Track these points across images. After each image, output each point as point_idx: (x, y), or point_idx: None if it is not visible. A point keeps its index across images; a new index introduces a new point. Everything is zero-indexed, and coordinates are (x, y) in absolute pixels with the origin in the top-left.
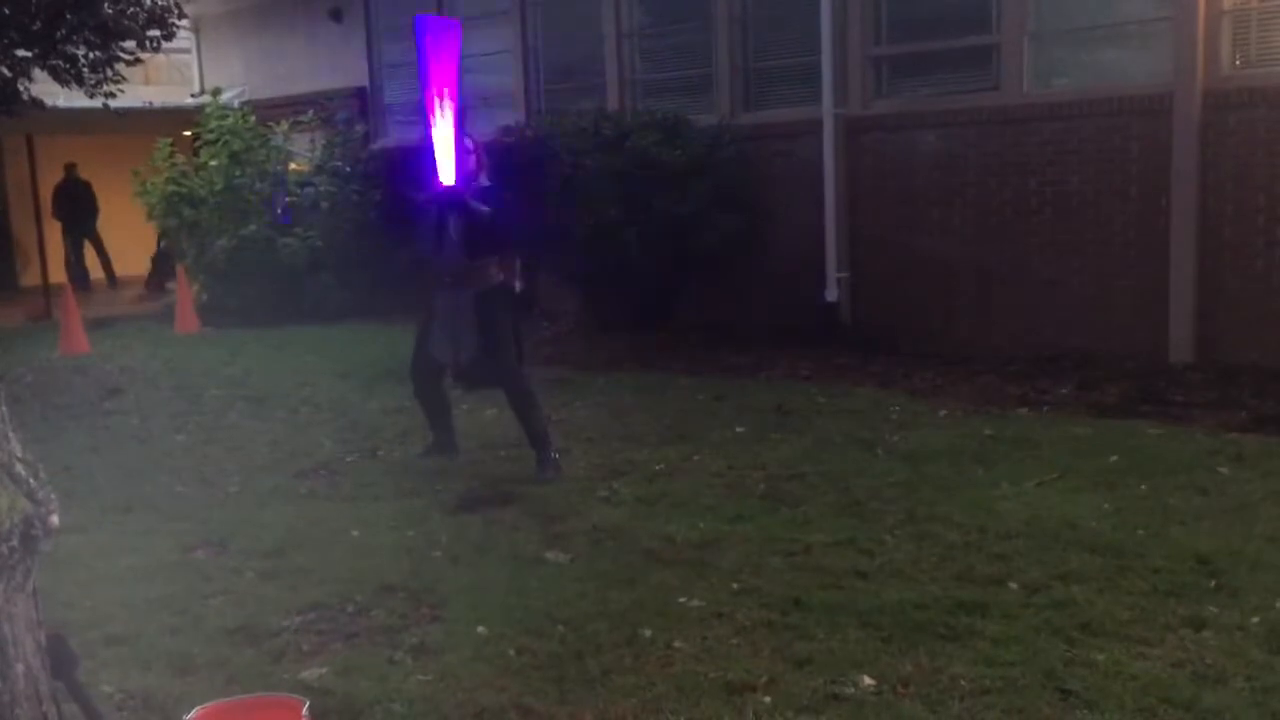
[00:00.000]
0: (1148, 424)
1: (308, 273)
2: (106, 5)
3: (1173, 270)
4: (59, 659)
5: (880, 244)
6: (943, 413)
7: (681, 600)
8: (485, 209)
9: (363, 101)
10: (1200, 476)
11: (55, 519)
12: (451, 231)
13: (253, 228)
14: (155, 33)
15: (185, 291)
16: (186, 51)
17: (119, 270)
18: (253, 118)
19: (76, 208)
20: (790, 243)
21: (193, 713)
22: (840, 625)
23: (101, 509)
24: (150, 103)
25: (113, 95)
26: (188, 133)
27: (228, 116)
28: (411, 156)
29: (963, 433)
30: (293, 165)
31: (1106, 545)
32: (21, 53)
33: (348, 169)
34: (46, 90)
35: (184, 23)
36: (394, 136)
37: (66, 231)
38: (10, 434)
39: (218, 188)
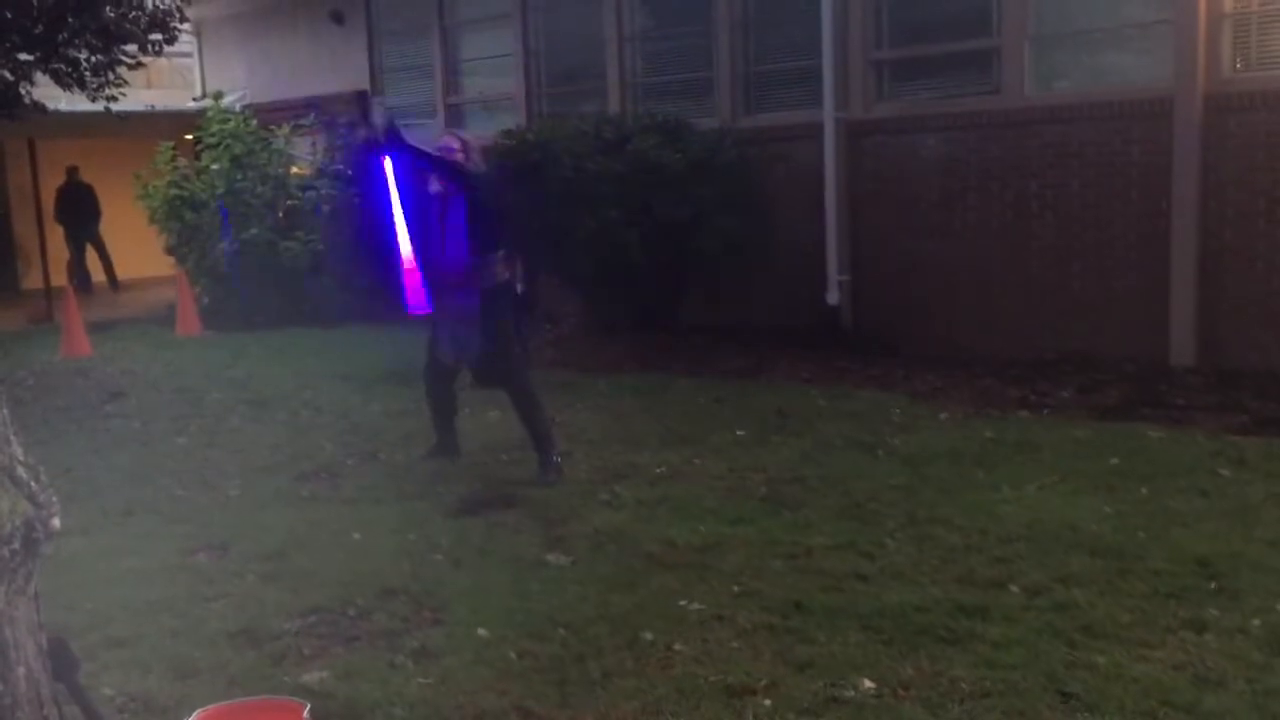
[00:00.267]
0: (1149, 427)
1: (309, 276)
2: (108, 9)
3: (1173, 273)
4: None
5: (881, 247)
6: (944, 415)
7: (682, 603)
8: (488, 197)
9: (364, 105)
10: (1201, 479)
11: (57, 522)
12: (454, 228)
13: (254, 231)
14: (157, 36)
15: (187, 294)
16: (188, 55)
17: (121, 273)
18: (254, 121)
19: (79, 211)
20: (791, 246)
21: (194, 716)
22: (841, 628)
23: (103, 512)
24: (152, 106)
25: (114, 99)
26: (189, 136)
27: (229, 120)
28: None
29: (964, 435)
30: (294, 169)
31: (1107, 548)
32: (23, 56)
33: (349, 172)
34: (48, 94)
35: (185, 26)
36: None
37: (69, 235)
38: (12, 437)
39: (219, 191)
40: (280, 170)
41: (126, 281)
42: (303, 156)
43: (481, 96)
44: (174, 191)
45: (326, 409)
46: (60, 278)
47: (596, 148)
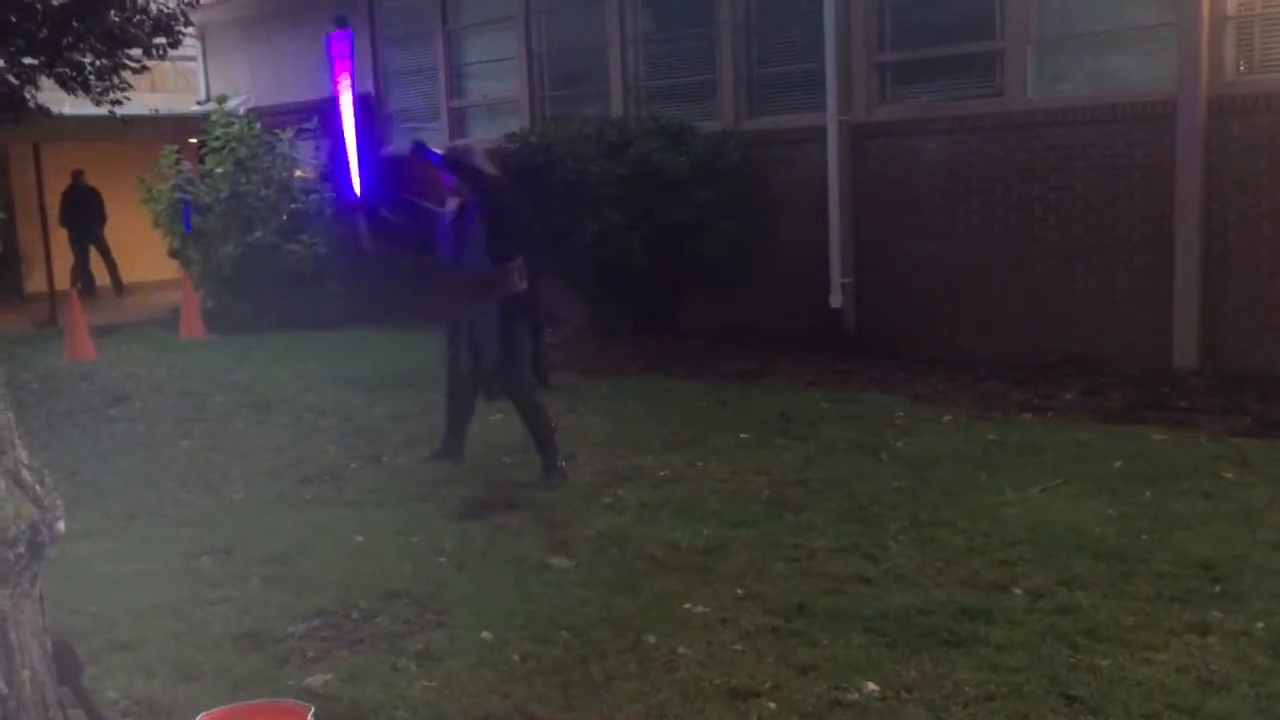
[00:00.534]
0: (1152, 429)
1: (312, 280)
2: (112, 13)
3: (1177, 275)
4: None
5: (884, 250)
6: (947, 418)
7: (686, 606)
8: (507, 204)
9: (368, 108)
10: (1204, 482)
11: (61, 525)
12: (473, 237)
13: (258, 235)
14: (161, 40)
15: (191, 298)
16: (192, 59)
17: (124, 277)
18: (258, 125)
19: (83, 214)
20: (794, 249)
21: (198, 718)
22: (844, 631)
23: (107, 515)
24: (156, 110)
25: (119, 103)
26: (193, 140)
27: (233, 124)
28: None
29: (967, 438)
30: (298, 172)
31: (1111, 551)
32: (28, 60)
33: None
34: (53, 98)
35: (189, 30)
36: (399, 143)
37: (74, 238)
38: (16, 440)
39: (223, 195)
40: (284, 174)
41: (130, 285)
42: (306, 160)
43: (485, 100)
44: (178, 195)
45: (330, 412)
46: (64, 281)
47: (599, 151)
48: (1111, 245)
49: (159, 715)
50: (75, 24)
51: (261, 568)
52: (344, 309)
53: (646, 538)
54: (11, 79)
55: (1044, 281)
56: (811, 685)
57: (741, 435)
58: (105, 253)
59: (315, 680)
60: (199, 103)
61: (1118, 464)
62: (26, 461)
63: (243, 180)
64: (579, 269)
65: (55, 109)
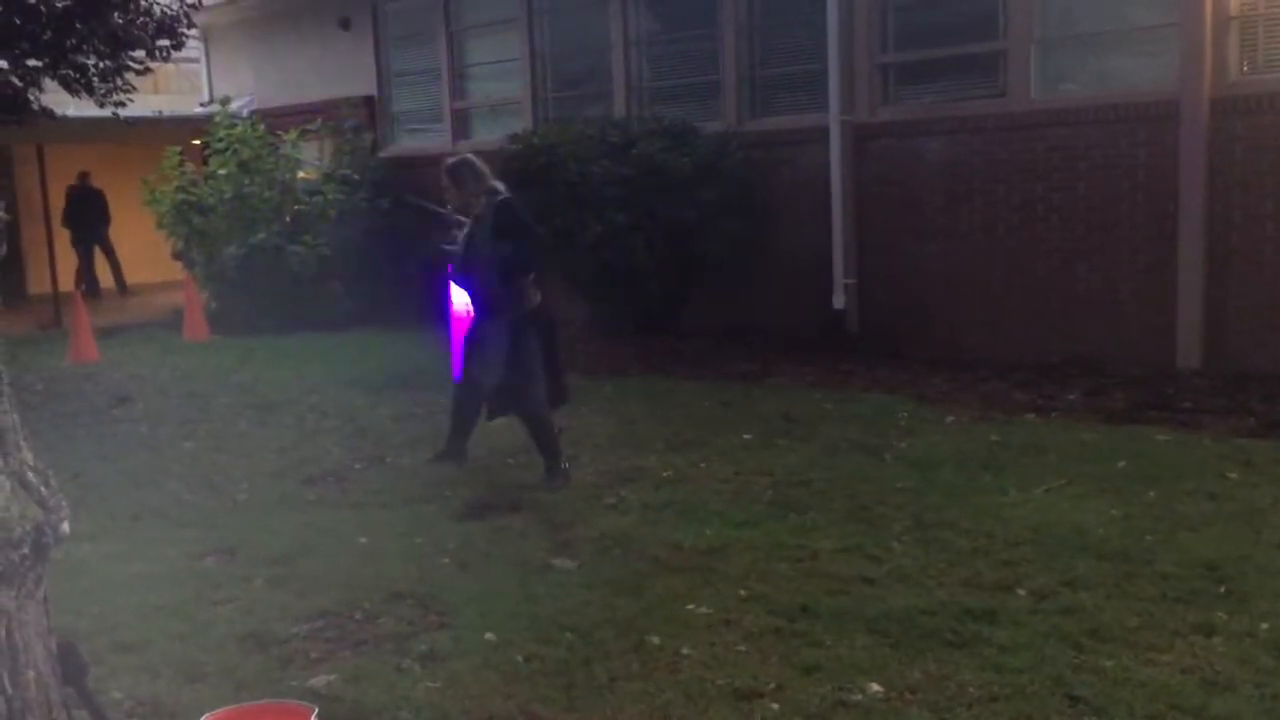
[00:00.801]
0: (1156, 430)
1: (316, 281)
2: (116, 15)
3: (1180, 276)
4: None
5: (887, 250)
6: (950, 419)
7: (689, 607)
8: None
9: (371, 110)
10: (1209, 482)
11: (66, 526)
12: (483, 257)
13: (261, 236)
14: (164, 42)
15: (194, 299)
16: (195, 61)
17: (128, 278)
18: (261, 126)
19: (87, 214)
20: (797, 249)
21: (201, 719)
22: (848, 632)
23: (111, 516)
24: (160, 112)
25: (122, 104)
26: (197, 141)
27: (236, 125)
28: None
29: (970, 439)
30: (301, 174)
31: (1115, 551)
32: (32, 62)
33: (356, 177)
34: (57, 100)
35: (193, 32)
36: (402, 145)
37: (78, 239)
38: (21, 442)
39: (227, 196)
40: (287, 175)
41: (133, 286)
42: (310, 162)
43: (488, 101)
44: (181, 196)
45: (333, 413)
46: (68, 283)
47: (602, 151)
48: (1114, 245)
49: (163, 716)
50: (79, 26)
51: (265, 569)
52: (347, 310)
53: (649, 538)
54: (15, 81)
55: (1047, 282)
56: (815, 686)
57: (744, 436)
58: (110, 253)
59: (319, 681)
60: (202, 104)
61: (1121, 464)
62: (31, 463)
63: (246, 182)
64: (581, 269)
65: (59, 111)
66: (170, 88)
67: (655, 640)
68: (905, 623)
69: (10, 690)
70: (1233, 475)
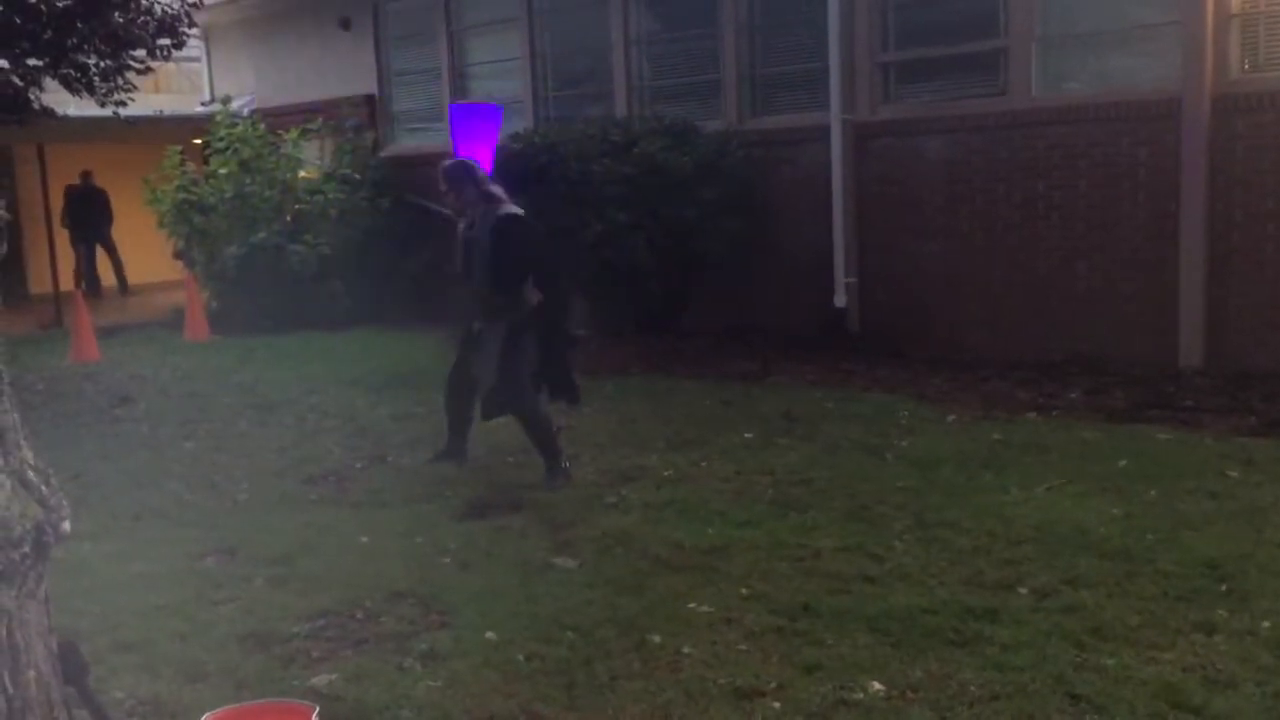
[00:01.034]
0: (1157, 429)
1: (317, 280)
2: (117, 14)
3: (1181, 275)
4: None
5: (888, 249)
6: (951, 418)
7: (690, 606)
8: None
9: (371, 109)
10: (1210, 481)
11: (66, 526)
12: (482, 260)
13: (262, 235)
14: (165, 41)
15: (195, 299)
16: (196, 60)
17: (130, 278)
18: (262, 125)
19: (90, 214)
20: (798, 248)
21: (203, 718)
22: (849, 631)
23: (112, 516)
24: (160, 111)
25: (123, 104)
26: (198, 141)
27: (237, 124)
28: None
29: (971, 438)
30: (302, 173)
31: (1116, 550)
32: (32, 62)
33: (357, 176)
34: (57, 99)
35: (194, 31)
36: (403, 144)
37: (80, 238)
38: (22, 441)
39: (227, 195)
40: (288, 174)
41: (134, 286)
42: (310, 161)
43: (489, 100)
44: (182, 196)
45: (334, 413)
46: (70, 282)
47: (603, 150)
48: (1115, 244)
49: (164, 715)
50: (79, 25)
51: (266, 568)
52: (348, 310)
53: (651, 538)
54: (16, 80)
55: (1048, 281)
56: (816, 685)
57: (745, 435)
58: (112, 253)
59: (320, 680)
60: (203, 104)
61: (1123, 463)
62: (32, 462)
63: (247, 181)
64: (582, 269)
65: (60, 110)
66: (171, 87)
67: (656, 639)
68: (906, 621)
69: (11, 690)
70: (1234, 474)
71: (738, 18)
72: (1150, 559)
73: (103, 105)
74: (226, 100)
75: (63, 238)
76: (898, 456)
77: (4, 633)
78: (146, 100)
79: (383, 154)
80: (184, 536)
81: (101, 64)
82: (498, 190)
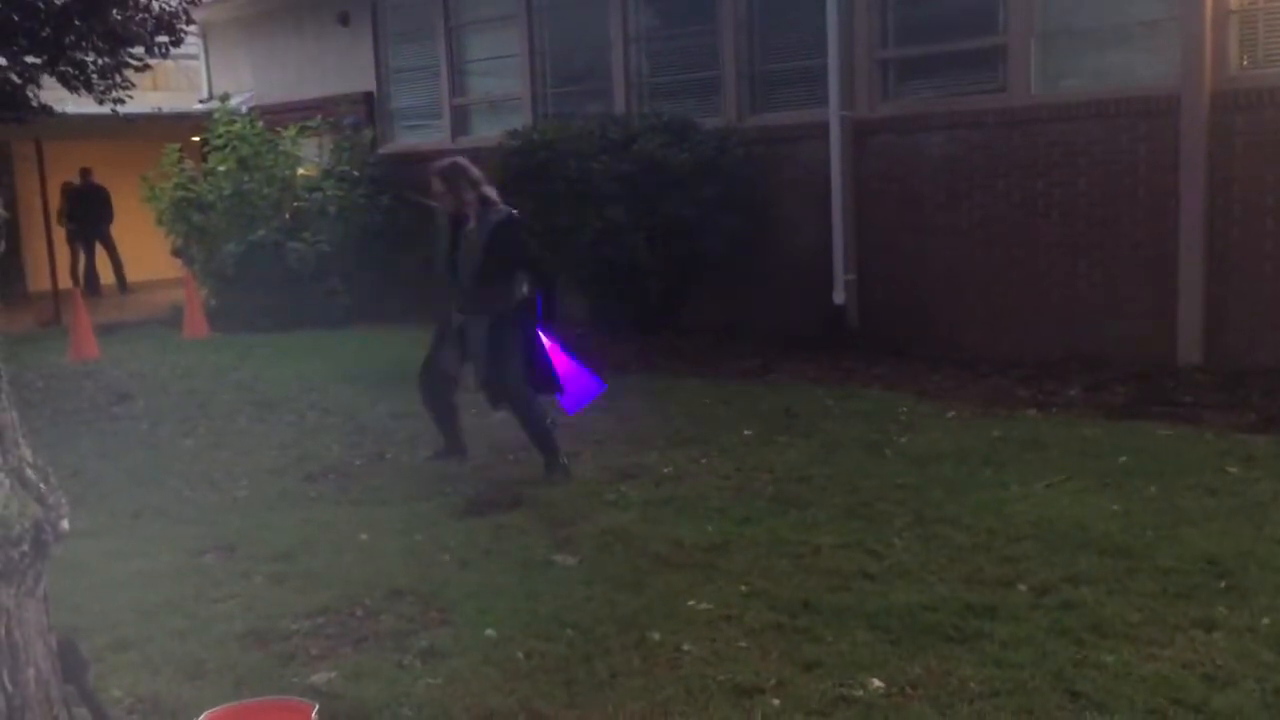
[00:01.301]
0: (1156, 425)
1: (315, 278)
2: (114, 12)
3: (1181, 271)
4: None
5: (887, 246)
6: (951, 415)
7: (690, 603)
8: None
9: (370, 106)
10: (1209, 477)
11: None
12: (471, 258)
13: (261, 233)
14: (163, 39)
15: (194, 296)
16: (194, 57)
17: (130, 275)
18: (260, 123)
19: (90, 212)
20: (797, 245)
21: (202, 716)
22: (849, 628)
23: (111, 514)
24: (159, 108)
25: (121, 101)
26: (196, 138)
27: (236, 122)
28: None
29: (971, 435)
30: (300, 170)
31: (1116, 546)
32: (31, 59)
33: (355, 174)
34: (55, 96)
35: (192, 28)
36: (401, 141)
37: (79, 236)
38: (20, 439)
39: (226, 193)
40: (287, 172)
41: (133, 283)
42: (309, 158)
43: (488, 97)
44: (180, 193)
45: (333, 410)
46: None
47: (602, 148)
48: (1115, 241)
49: (163, 713)
50: (77, 23)
51: (265, 565)
52: (346, 307)
53: (650, 535)
54: (14, 77)
55: (1047, 278)
56: (816, 682)
57: (745, 432)
58: (111, 251)
59: (319, 678)
60: (201, 101)
61: (1122, 460)
62: (31, 460)
63: (245, 178)
64: (581, 267)
65: (58, 107)
66: (169, 84)
67: (656, 636)
68: (906, 618)
69: (10, 688)
70: (1233, 470)
71: (737, 14)
72: (1150, 555)
73: (101, 103)
74: (225, 97)
75: (61, 235)
76: (897, 453)
77: (3, 631)
78: (145, 98)
79: (381, 151)
80: (183, 534)
81: (99, 61)
82: (492, 191)
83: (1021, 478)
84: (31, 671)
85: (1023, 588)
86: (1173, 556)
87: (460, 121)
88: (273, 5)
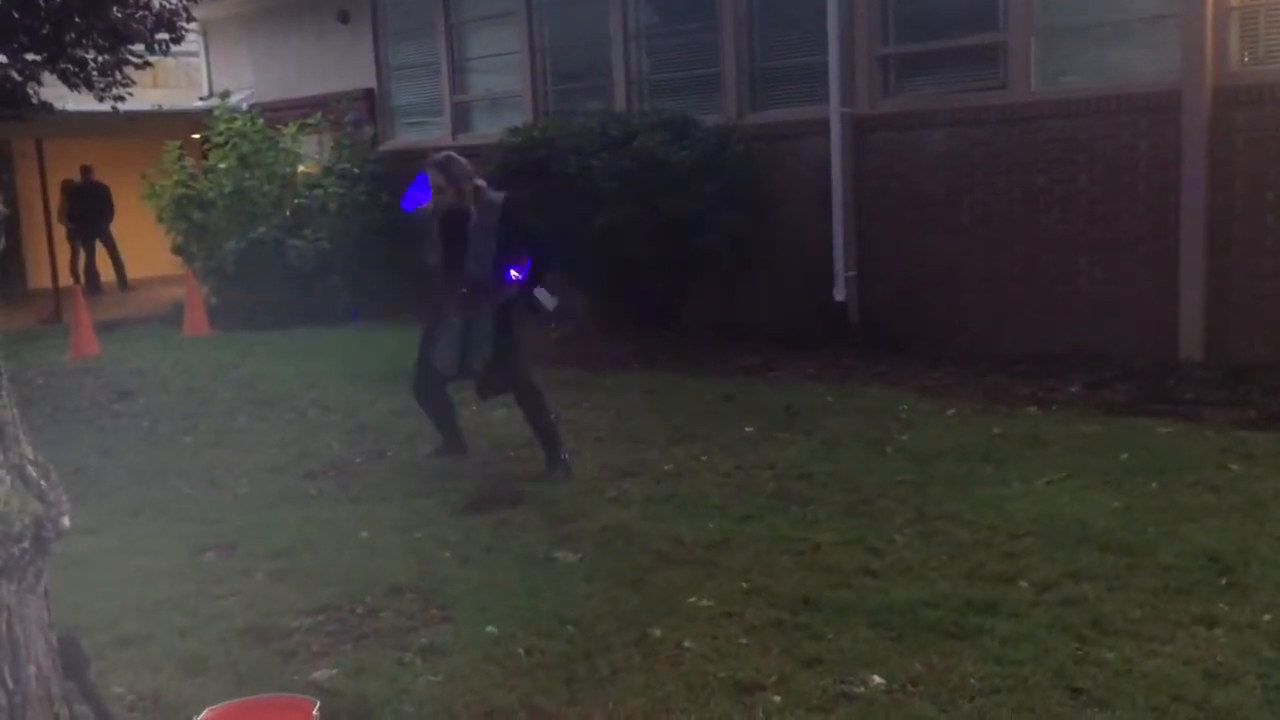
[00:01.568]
0: (1157, 422)
1: (316, 275)
2: (115, 9)
3: (1182, 268)
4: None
5: (888, 243)
6: (951, 412)
7: (691, 600)
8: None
9: (370, 103)
10: (1210, 474)
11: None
12: (477, 247)
13: (261, 230)
14: (163, 36)
15: (195, 294)
16: (195, 54)
17: (130, 272)
18: (261, 120)
19: (90, 210)
20: (798, 242)
21: (203, 713)
22: (850, 624)
23: (112, 511)
24: (159, 106)
25: (122, 98)
26: (196, 135)
27: (236, 119)
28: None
29: (972, 431)
30: (301, 168)
31: (1117, 543)
32: (31, 56)
33: (356, 171)
34: (56, 94)
35: (192, 26)
36: (402, 138)
37: (79, 233)
38: (21, 436)
39: (227, 190)
40: (287, 169)
41: (133, 281)
42: (309, 155)
43: (488, 94)
44: (181, 191)
45: (334, 408)
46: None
47: (602, 145)
48: (1116, 237)
49: (164, 710)
50: (77, 20)
51: (266, 563)
52: (347, 304)
53: (651, 532)
54: (14, 75)
55: (1048, 274)
56: (817, 679)
57: (746, 429)
58: (112, 248)
59: (320, 675)
60: (202, 98)
61: (1123, 457)
62: (31, 457)
63: (246, 176)
64: (582, 264)
65: (58, 105)
66: (169, 82)
67: (657, 633)
68: (907, 615)
69: (11, 685)
70: (1234, 467)
71: (737, 12)
72: (1151, 552)
73: (101, 100)
74: (225, 95)
75: (61, 233)
76: (898, 450)
77: (4, 628)
78: (145, 95)
79: (382, 148)
80: (184, 531)
81: (100, 58)
82: (481, 180)
83: (1022, 474)
84: (32, 668)
85: (1024, 584)
86: (1174, 553)
87: (461, 118)
88: (273, 2)
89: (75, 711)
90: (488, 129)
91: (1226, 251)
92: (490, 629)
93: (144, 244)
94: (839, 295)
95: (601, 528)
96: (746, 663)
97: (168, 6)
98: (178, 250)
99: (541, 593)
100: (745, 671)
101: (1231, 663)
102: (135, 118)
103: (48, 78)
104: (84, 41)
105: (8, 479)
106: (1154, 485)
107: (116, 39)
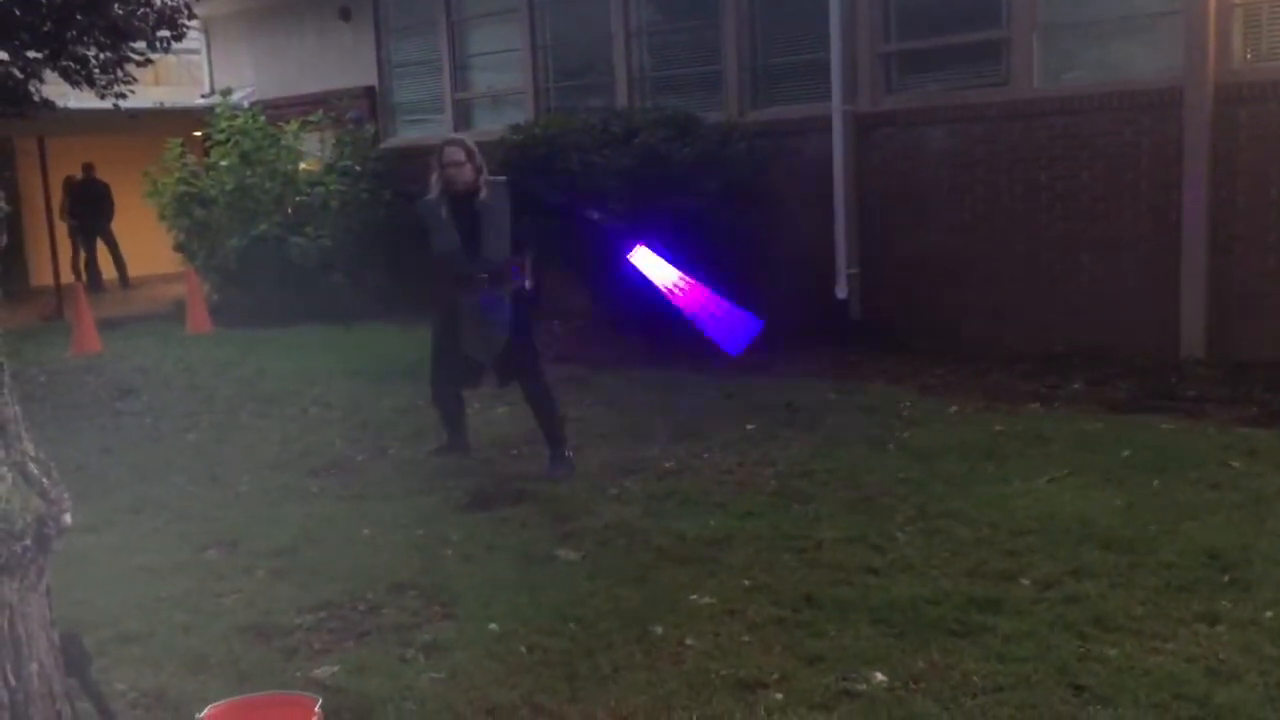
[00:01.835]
0: (1159, 419)
1: (318, 272)
2: (116, 6)
3: (1184, 265)
4: (73, 657)
5: (890, 240)
6: (953, 409)
7: (693, 597)
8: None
9: (372, 101)
10: (1212, 471)
11: (68, 518)
12: (494, 230)
13: (263, 227)
14: (165, 33)
15: (197, 291)
16: (196, 52)
17: (130, 270)
18: (262, 117)
19: (91, 207)
20: (800, 239)
21: (205, 710)
22: (852, 622)
23: (114, 508)
24: (161, 103)
25: (123, 96)
26: (198, 133)
27: (238, 116)
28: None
29: (974, 429)
30: (303, 165)
31: (1119, 541)
32: (32, 54)
33: (357, 168)
34: (57, 91)
35: (193, 23)
36: (403, 136)
37: (81, 231)
38: (23, 434)
39: (228, 188)
40: (289, 167)
41: (135, 278)
42: (311, 153)
43: (490, 91)
44: (182, 188)
45: (336, 405)
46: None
47: (604, 142)
48: (1118, 234)
49: (167, 707)
50: (79, 17)
51: (268, 560)
52: (349, 302)
53: (653, 529)
54: (16, 72)
55: (1050, 271)
56: (819, 676)
57: (747, 427)
58: (113, 246)
59: (323, 672)
60: (203, 96)
61: (1125, 454)
62: (33, 454)
63: (247, 173)
64: (584, 261)
65: (60, 102)
66: (171, 79)
67: (659, 631)
68: (909, 612)
69: (14, 682)
70: (1236, 464)
71: (739, 9)
72: (1153, 549)
73: (103, 97)
74: (227, 92)
75: (63, 230)
76: (900, 448)
77: (6, 625)
78: (146, 93)
79: (383, 146)
80: (186, 529)
81: (101, 56)
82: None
83: (1024, 472)
84: (34, 666)
85: (1026, 582)
86: (1175, 551)
87: (462, 116)
88: (274, 0)
89: (77, 709)
90: (489, 126)
91: (1228, 249)
92: (492, 626)
93: (146, 241)
94: (841, 292)
95: (603, 525)
96: (748, 660)
97: (169, 4)
98: (179, 248)
99: (543, 590)
100: (747, 669)
101: (1233, 660)
102: (137, 115)
103: (49, 75)
104: (85, 39)
105: (10, 476)
106: (1156, 483)
107: (118, 36)
